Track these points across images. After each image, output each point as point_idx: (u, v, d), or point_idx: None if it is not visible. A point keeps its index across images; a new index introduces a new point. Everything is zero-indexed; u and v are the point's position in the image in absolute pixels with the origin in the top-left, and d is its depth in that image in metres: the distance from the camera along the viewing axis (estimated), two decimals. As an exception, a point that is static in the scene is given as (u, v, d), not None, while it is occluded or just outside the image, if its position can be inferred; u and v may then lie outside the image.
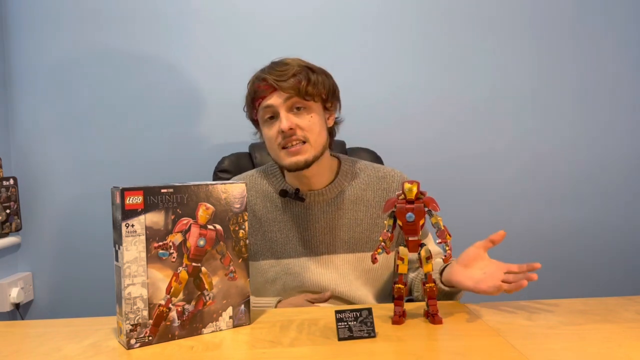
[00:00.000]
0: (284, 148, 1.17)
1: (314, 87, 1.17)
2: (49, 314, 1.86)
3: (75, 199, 1.85)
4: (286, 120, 1.15)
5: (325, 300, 1.21)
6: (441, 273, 1.15)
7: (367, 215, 1.26)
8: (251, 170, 1.35)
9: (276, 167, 1.30)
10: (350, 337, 0.91)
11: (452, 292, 1.15)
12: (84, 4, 1.81)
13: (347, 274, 1.24)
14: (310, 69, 1.19)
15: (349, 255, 1.25)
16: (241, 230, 1.00)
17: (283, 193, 1.24)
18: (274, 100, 1.16)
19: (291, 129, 1.15)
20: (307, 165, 1.18)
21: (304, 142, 1.17)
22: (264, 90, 1.17)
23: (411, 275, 1.29)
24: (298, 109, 1.17)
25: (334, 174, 1.27)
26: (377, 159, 1.59)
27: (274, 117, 1.18)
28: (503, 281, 1.02)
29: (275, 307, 1.20)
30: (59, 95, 1.83)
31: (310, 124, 1.18)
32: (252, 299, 1.23)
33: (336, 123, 1.28)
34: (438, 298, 1.18)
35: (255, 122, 1.26)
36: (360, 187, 1.28)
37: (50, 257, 1.86)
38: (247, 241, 1.01)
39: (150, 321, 0.91)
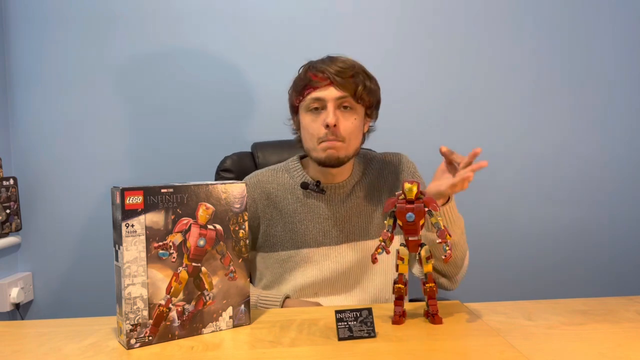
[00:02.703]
0: (322, 142, 1.20)
1: (368, 93, 1.21)
2: (49, 314, 1.86)
3: (76, 199, 1.85)
4: (333, 115, 1.17)
5: None
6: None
7: (381, 201, 1.31)
8: (271, 166, 1.37)
9: (297, 163, 1.33)
10: (350, 337, 0.91)
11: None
12: (84, 4, 1.81)
13: (366, 261, 1.27)
14: (367, 75, 1.22)
15: (368, 242, 1.28)
16: (241, 230, 1.00)
17: (304, 185, 1.27)
18: (327, 94, 1.18)
19: (335, 125, 1.17)
20: (340, 163, 1.22)
21: (341, 141, 1.20)
22: (319, 81, 1.18)
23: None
24: (345, 107, 1.20)
25: (352, 168, 1.32)
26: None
27: (319, 108, 1.20)
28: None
29: (282, 305, 1.21)
30: (59, 95, 1.83)
31: (353, 126, 1.21)
32: (259, 291, 1.26)
33: (369, 130, 1.32)
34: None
35: (295, 109, 1.27)
36: (373, 175, 1.33)
37: (50, 257, 1.86)
38: (248, 241, 1.01)
39: (150, 321, 0.91)
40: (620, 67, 1.95)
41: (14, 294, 1.75)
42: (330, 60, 1.21)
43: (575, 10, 1.92)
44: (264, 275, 1.31)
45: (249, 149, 1.66)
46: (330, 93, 1.18)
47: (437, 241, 0.99)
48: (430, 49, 1.90)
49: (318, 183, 1.27)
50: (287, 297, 1.23)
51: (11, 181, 1.75)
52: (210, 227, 0.96)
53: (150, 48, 1.83)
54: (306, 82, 1.20)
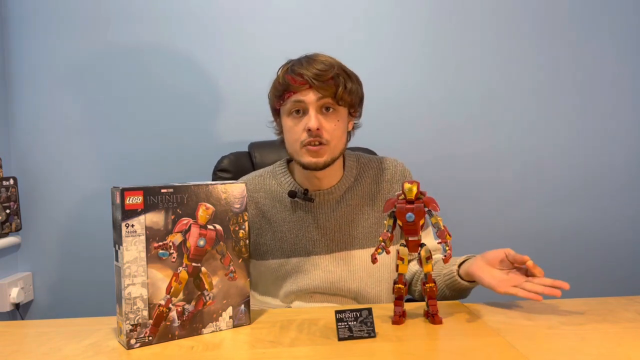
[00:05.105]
0: (305, 146, 1.17)
1: (349, 94, 1.18)
2: (49, 314, 1.86)
3: (76, 199, 1.85)
4: (315, 120, 1.15)
5: None
6: (459, 266, 1.16)
7: (373, 209, 1.28)
8: (258, 170, 1.34)
9: (284, 167, 1.30)
10: (350, 337, 0.91)
11: (465, 288, 1.16)
12: (84, 3, 1.81)
13: (358, 271, 1.24)
14: (347, 74, 1.19)
15: (359, 251, 1.25)
16: (241, 230, 1.00)
17: (292, 194, 1.24)
18: (308, 97, 1.15)
19: (318, 129, 1.15)
20: (325, 166, 1.19)
21: (325, 144, 1.17)
22: (299, 86, 1.15)
23: (415, 268, 1.30)
24: (327, 109, 1.17)
25: (341, 172, 1.28)
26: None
27: (301, 112, 1.17)
28: (520, 286, 1.05)
29: None
30: (59, 95, 1.83)
31: (336, 128, 1.18)
32: (261, 297, 1.26)
33: (354, 128, 1.29)
34: (448, 293, 1.18)
35: (276, 111, 1.25)
36: (366, 182, 1.29)
37: (50, 257, 1.86)
38: (248, 241, 1.01)
39: (150, 321, 0.91)
40: (622, 67, 1.95)
41: (14, 294, 1.75)
42: (308, 62, 1.17)
43: (577, 10, 1.92)
44: (258, 283, 1.30)
45: (246, 149, 1.66)
46: (310, 97, 1.15)
47: (437, 241, 0.99)
48: (431, 49, 1.90)
49: (306, 191, 1.24)
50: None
51: (11, 181, 1.75)
52: (210, 227, 0.96)
53: (148, 49, 1.83)
54: (285, 86, 1.16)
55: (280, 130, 1.26)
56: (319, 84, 1.14)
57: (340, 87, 1.16)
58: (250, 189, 1.29)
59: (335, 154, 1.20)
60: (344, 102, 1.18)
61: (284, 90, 1.18)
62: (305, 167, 1.19)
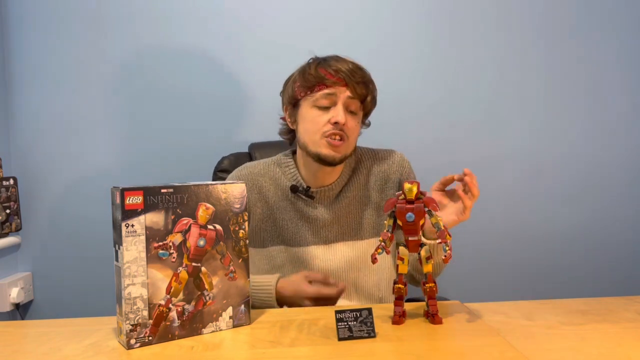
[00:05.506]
0: (326, 137, 1.20)
1: (372, 102, 1.26)
2: (49, 314, 1.86)
3: (76, 199, 1.85)
4: (344, 114, 1.19)
5: (337, 295, 1.18)
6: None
7: (371, 200, 1.31)
8: (264, 159, 1.37)
9: (290, 159, 1.32)
10: (350, 337, 0.91)
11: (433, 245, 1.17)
12: (84, 4, 1.81)
13: (355, 261, 1.27)
14: (374, 84, 1.25)
15: (357, 242, 1.28)
16: (241, 230, 1.00)
17: (294, 189, 1.27)
18: (342, 93, 1.19)
19: (344, 124, 1.19)
20: (340, 162, 1.24)
21: (345, 140, 1.21)
22: (336, 81, 1.19)
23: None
24: (351, 111, 1.22)
25: (341, 167, 1.30)
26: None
27: (327, 105, 1.21)
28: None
29: (275, 286, 1.20)
30: (59, 95, 1.83)
31: (355, 127, 1.24)
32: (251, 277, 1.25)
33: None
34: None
35: (295, 101, 1.25)
36: (363, 174, 1.32)
37: (50, 257, 1.86)
38: (248, 241, 1.01)
39: (150, 321, 0.91)
40: (625, 68, 1.94)
41: (14, 294, 1.75)
42: (340, 59, 1.22)
43: (581, 12, 1.92)
44: (251, 269, 1.30)
45: (246, 150, 1.66)
46: (343, 92, 1.19)
47: (437, 241, 0.99)
48: (434, 50, 1.90)
49: (308, 188, 1.27)
50: (280, 277, 1.22)
51: (11, 181, 1.75)
52: (210, 227, 0.96)
53: (148, 49, 1.83)
54: (319, 79, 1.20)
55: (293, 121, 1.28)
56: (355, 85, 1.19)
57: (369, 95, 1.23)
58: (255, 173, 1.31)
59: (348, 152, 1.24)
60: (366, 109, 1.24)
61: (316, 82, 1.20)
62: (322, 158, 1.22)
